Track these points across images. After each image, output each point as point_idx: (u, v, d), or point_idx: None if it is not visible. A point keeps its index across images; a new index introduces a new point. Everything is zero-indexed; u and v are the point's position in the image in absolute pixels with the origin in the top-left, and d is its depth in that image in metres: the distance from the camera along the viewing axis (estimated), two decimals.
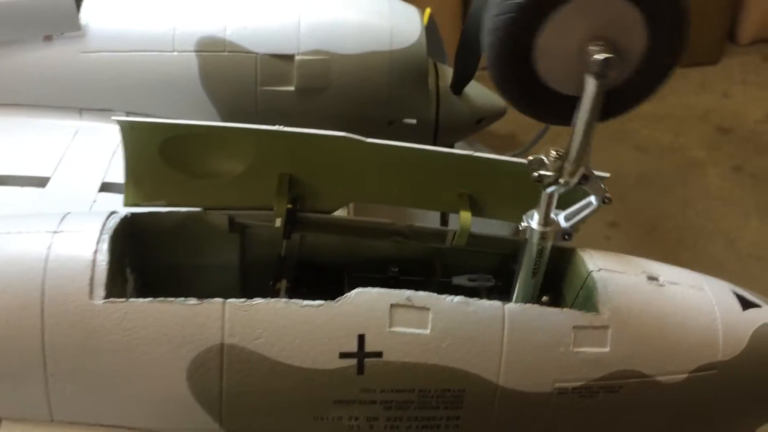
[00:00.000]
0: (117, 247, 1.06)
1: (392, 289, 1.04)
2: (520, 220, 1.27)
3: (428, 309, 1.04)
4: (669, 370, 1.10)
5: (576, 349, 1.06)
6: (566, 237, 1.08)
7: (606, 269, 1.13)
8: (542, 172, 1.00)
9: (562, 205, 1.08)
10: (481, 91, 1.84)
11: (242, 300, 1.01)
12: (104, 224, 1.06)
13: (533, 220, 1.07)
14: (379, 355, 1.02)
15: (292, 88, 1.61)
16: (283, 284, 1.21)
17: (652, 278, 1.14)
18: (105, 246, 1.03)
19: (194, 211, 1.19)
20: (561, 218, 1.07)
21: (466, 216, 1.19)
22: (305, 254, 1.26)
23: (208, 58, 1.59)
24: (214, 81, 1.60)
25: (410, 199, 1.23)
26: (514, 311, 1.06)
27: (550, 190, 1.02)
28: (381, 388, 1.04)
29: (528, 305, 1.08)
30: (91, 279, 1.00)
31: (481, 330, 1.04)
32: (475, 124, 1.84)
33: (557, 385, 1.06)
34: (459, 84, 1.77)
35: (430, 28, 1.85)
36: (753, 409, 1.22)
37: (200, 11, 1.62)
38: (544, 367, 1.06)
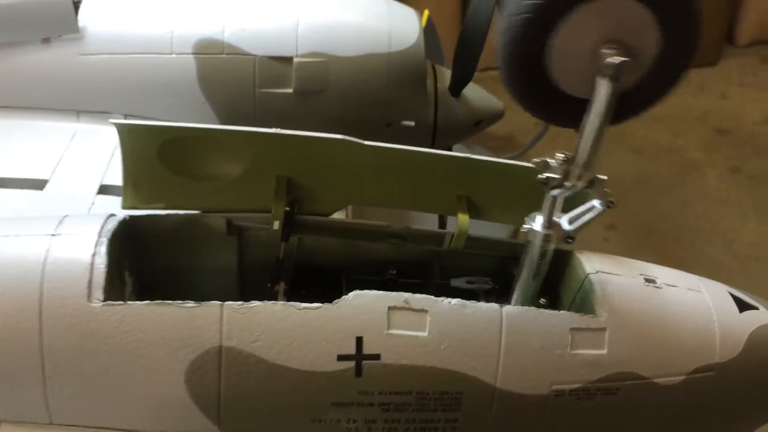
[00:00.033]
0: (115, 249, 1.06)
1: (390, 292, 1.04)
2: (518, 222, 1.27)
3: (426, 311, 1.04)
4: (666, 372, 1.10)
5: (573, 352, 1.06)
6: (569, 240, 1.08)
7: (603, 271, 1.13)
8: (549, 175, 1.00)
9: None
10: (479, 93, 1.84)
11: (240, 303, 1.01)
12: (102, 227, 1.06)
13: (536, 223, 1.07)
14: (377, 357, 1.02)
15: (290, 91, 1.61)
16: (281, 287, 1.21)
17: (649, 280, 1.15)
18: (103, 249, 1.03)
19: (192, 213, 1.19)
20: (564, 221, 1.07)
21: (463, 218, 1.19)
22: (303, 257, 1.26)
23: (206, 60, 1.59)
24: (212, 83, 1.60)
25: (408, 201, 1.23)
26: (512, 314, 1.06)
27: (555, 193, 1.02)
28: (379, 390, 1.04)
29: (525, 308, 1.08)
30: (89, 282, 1.00)
31: (478, 332, 1.04)
32: (473, 126, 1.85)
33: (555, 387, 1.07)
34: (457, 86, 1.77)
35: (429, 30, 1.85)
36: (750, 411, 1.22)
37: (198, 13, 1.62)
38: (542, 370, 1.06)
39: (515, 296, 1.15)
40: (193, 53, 1.58)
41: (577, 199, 1.07)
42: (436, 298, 1.05)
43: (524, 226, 1.09)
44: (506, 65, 0.97)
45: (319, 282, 1.25)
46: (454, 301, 1.05)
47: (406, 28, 1.67)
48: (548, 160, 1.01)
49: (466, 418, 1.07)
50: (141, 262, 1.19)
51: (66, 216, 1.09)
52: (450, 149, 1.90)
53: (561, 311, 1.09)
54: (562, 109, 1.00)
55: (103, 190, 1.42)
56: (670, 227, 2.79)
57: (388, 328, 1.03)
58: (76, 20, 1.56)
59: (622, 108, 0.96)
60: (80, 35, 1.57)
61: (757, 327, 1.17)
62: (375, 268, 1.27)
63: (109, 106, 1.60)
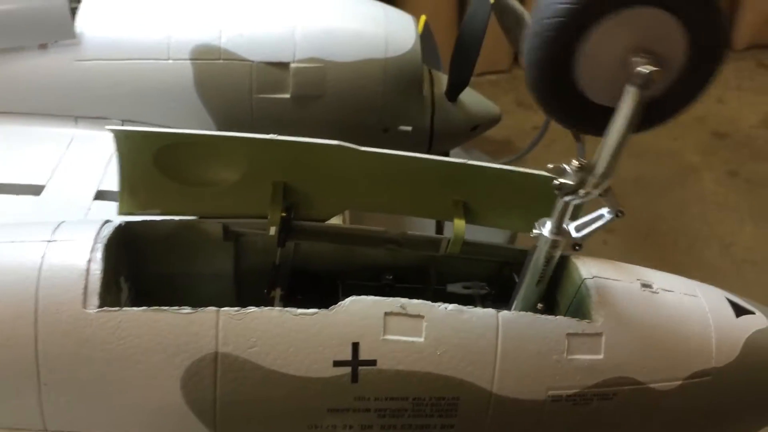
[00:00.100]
0: (111, 255, 1.06)
1: (386, 297, 1.04)
2: (514, 227, 1.27)
3: (422, 317, 1.04)
4: (663, 377, 1.10)
5: (570, 357, 1.06)
6: (576, 248, 1.08)
7: (599, 276, 1.13)
8: (564, 181, 1.00)
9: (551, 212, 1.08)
10: (476, 98, 1.85)
11: (236, 309, 1.01)
12: (98, 233, 1.06)
13: (545, 228, 1.07)
14: (373, 363, 1.02)
15: (287, 96, 1.62)
16: (278, 292, 1.21)
17: (645, 285, 1.15)
18: (99, 255, 1.03)
19: (188, 219, 1.19)
20: (572, 228, 1.07)
21: (459, 224, 1.19)
22: (299, 262, 1.26)
23: (203, 66, 1.59)
24: (209, 89, 1.60)
25: (404, 207, 1.23)
26: (508, 319, 1.06)
27: (567, 199, 1.02)
28: (375, 396, 1.04)
29: (521, 313, 1.08)
30: (85, 288, 1.00)
31: (475, 338, 1.04)
32: (470, 131, 1.85)
33: (551, 392, 1.06)
34: (454, 91, 1.77)
35: (425, 35, 1.86)
36: (747, 416, 1.22)
37: (195, 19, 1.62)
38: (538, 375, 1.06)
39: (517, 302, 1.15)
40: (190, 59, 1.58)
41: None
42: (433, 303, 1.05)
43: (533, 231, 1.09)
44: (533, 69, 0.96)
45: (316, 288, 1.25)
46: (451, 306, 1.05)
47: (402, 33, 1.67)
48: (564, 166, 1.00)
49: (462, 424, 1.07)
50: (137, 268, 1.19)
51: (62, 222, 1.09)
52: (447, 154, 1.90)
53: (557, 316, 1.09)
54: (586, 116, 1.00)
55: (100, 195, 1.42)
56: (667, 230, 2.80)
57: (385, 333, 1.03)
58: (73, 26, 1.57)
59: (648, 116, 0.96)
60: (77, 41, 1.57)
61: (754, 332, 1.17)
62: (371, 274, 1.27)
63: (107, 111, 1.60)
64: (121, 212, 1.16)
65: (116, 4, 1.64)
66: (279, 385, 1.01)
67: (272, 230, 1.16)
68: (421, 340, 1.03)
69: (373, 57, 1.63)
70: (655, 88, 0.94)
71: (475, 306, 1.08)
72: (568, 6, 0.91)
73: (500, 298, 1.24)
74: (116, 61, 1.58)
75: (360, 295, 1.04)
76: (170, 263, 1.23)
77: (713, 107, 3.29)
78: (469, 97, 1.82)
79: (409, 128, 1.70)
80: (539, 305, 1.17)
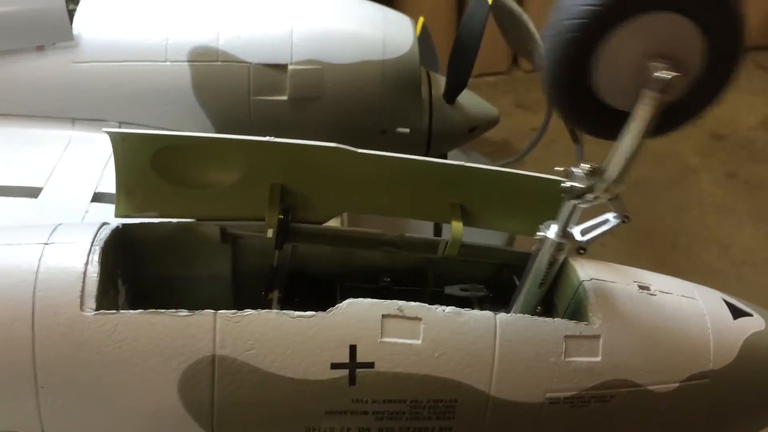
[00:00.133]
0: (108, 258, 1.06)
1: (384, 300, 1.04)
2: (511, 229, 1.27)
3: (420, 319, 1.04)
4: (660, 379, 1.10)
5: (567, 359, 1.06)
6: (581, 251, 1.08)
7: (597, 279, 1.13)
8: (573, 184, 0.99)
9: (548, 214, 1.08)
10: (474, 100, 1.85)
11: (233, 311, 1.01)
12: (95, 235, 1.06)
13: (551, 231, 1.07)
14: (370, 365, 1.02)
15: (285, 98, 1.62)
16: (275, 295, 1.21)
17: (643, 287, 1.15)
18: (96, 257, 1.03)
19: (186, 221, 1.19)
20: (577, 232, 1.07)
21: (457, 226, 1.19)
22: (297, 265, 1.26)
23: (201, 67, 1.59)
24: (207, 91, 1.60)
25: (402, 209, 1.23)
26: (506, 321, 1.06)
27: (575, 203, 1.02)
28: (373, 398, 1.04)
29: (519, 315, 1.08)
30: (82, 291, 1.00)
31: (472, 340, 1.04)
32: (468, 133, 1.85)
33: (549, 395, 1.06)
34: (452, 93, 1.77)
35: (423, 37, 1.86)
36: (744, 418, 1.22)
37: (193, 21, 1.62)
38: (536, 377, 1.06)
39: (517, 304, 1.15)
40: (188, 61, 1.58)
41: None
42: (430, 305, 1.05)
43: (537, 233, 1.08)
44: (551, 70, 0.96)
45: (313, 290, 1.25)
46: (448, 308, 1.05)
47: (400, 35, 1.67)
48: (573, 169, 1.00)
49: (460, 426, 1.07)
50: (134, 270, 1.19)
51: (59, 225, 1.09)
52: (445, 156, 1.90)
53: (555, 319, 1.09)
54: (601, 120, 1.00)
55: (97, 197, 1.42)
56: (666, 232, 2.80)
57: (382, 336, 1.03)
58: (70, 28, 1.57)
59: (664, 121, 0.96)
60: (75, 43, 1.57)
61: (751, 334, 1.17)
62: (369, 276, 1.27)
63: (104, 113, 1.60)
64: (118, 215, 1.16)
65: (114, 6, 1.64)
66: (276, 387, 1.01)
67: (270, 232, 1.16)
68: (419, 342, 1.03)
69: (370, 59, 1.63)
70: (673, 93, 0.94)
71: (473, 308, 1.08)
72: (590, 8, 0.90)
73: (498, 301, 1.24)
74: (114, 63, 1.58)
75: (357, 297, 1.04)
76: (168, 265, 1.23)
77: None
78: (467, 98, 1.82)
79: (407, 130, 1.70)
80: (537, 308, 1.17)
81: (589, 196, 1.00)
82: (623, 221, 1.04)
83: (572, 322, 1.09)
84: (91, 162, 1.48)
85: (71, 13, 1.59)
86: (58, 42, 1.57)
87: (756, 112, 3.33)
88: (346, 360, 1.02)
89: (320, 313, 1.02)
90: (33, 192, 1.43)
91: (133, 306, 1.04)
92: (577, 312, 1.13)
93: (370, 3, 1.76)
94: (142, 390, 1.01)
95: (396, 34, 1.67)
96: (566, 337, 1.07)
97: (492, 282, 1.29)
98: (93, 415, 1.02)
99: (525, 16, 1.90)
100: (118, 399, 1.01)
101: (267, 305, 1.18)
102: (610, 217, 1.05)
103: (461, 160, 1.18)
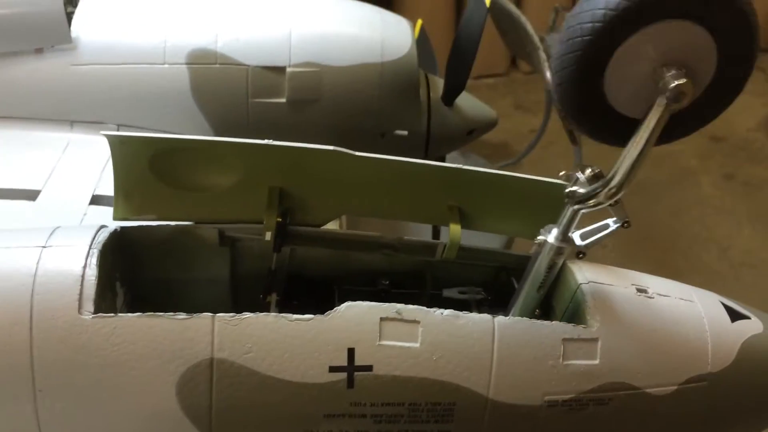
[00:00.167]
0: (106, 261, 1.06)
1: (382, 303, 1.04)
2: (510, 232, 1.27)
3: (418, 322, 1.04)
4: (658, 382, 1.10)
5: (565, 362, 1.06)
6: (580, 255, 1.08)
7: (595, 281, 1.13)
8: (576, 189, 0.99)
9: (547, 217, 1.08)
10: (472, 102, 1.85)
11: (231, 314, 1.01)
12: (93, 238, 1.06)
13: (551, 235, 1.07)
14: (369, 368, 1.02)
15: (283, 100, 1.62)
16: (273, 298, 1.21)
17: (641, 290, 1.15)
18: (94, 261, 1.03)
19: (184, 224, 1.19)
20: (577, 236, 1.07)
21: (455, 229, 1.19)
22: (295, 267, 1.26)
23: (199, 70, 1.59)
24: (205, 93, 1.60)
25: (400, 212, 1.23)
26: (504, 324, 1.06)
27: (577, 207, 1.02)
28: (371, 401, 1.04)
29: (517, 318, 1.08)
30: (80, 294, 1.00)
31: (470, 343, 1.04)
32: (466, 135, 1.85)
33: (547, 397, 1.06)
34: (450, 95, 1.77)
35: (422, 40, 1.86)
36: (742, 421, 1.22)
37: (191, 24, 1.62)
38: (534, 380, 1.06)
39: (516, 307, 1.15)
40: (186, 63, 1.58)
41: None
42: (429, 308, 1.05)
43: (537, 237, 1.09)
44: (563, 75, 0.97)
45: (312, 293, 1.25)
46: (447, 311, 1.05)
47: (398, 37, 1.67)
48: (577, 174, 1.00)
49: (458, 429, 1.07)
50: (133, 273, 1.19)
51: (57, 227, 1.09)
52: (444, 158, 1.91)
53: (553, 322, 1.09)
54: (610, 126, 1.00)
55: (96, 200, 1.42)
56: (665, 234, 2.80)
57: (380, 339, 1.03)
58: (68, 31, 1.57)
59: (675, 128, 0.96)
60: (73, 46, 1.57)
61: (749, 336, 1.17)
62: (367, 279, 1.27)
63: (102, 116, 1.60)
64: (116, 218, 1.16)
65: (112, 8, 1.64)
66: (275, 390, 1.01)
67: (268, 235, 1.16)
68: (417, 345, 1.03)
69: (369, 61, 1.63)
70: (685, 100, 0.94)
71: (471, 311, 1.08)
72: (608, 11, 0.91)
73: (496, 303, 1.24)
74: (112, 66, 1.58)
75: (356, 300, 1.04)
76: (166, 268, 1.23)
77: None
78: (466, 101, 1.82)
79: (405, 132, 1.70)
80: (536, 311, 1.17)
81: (592, 202, 1.00)
82: (623, 226, 1.04)
83: (570, 325, 1.09)
84: (90, 165, 1.48)
85: (69, 16, 1.59)
86: (57, 45, 1.57)
87: (755, 113, 3.33)
88: (345, 363, 1.02)
89: (318, 316, 1.02)
90: (31, 195, 1.43)
91: (131, 309, 1.04)
92: (575, 315, 1.13)
93: (368, 5, 1.76)
94: (140, 393, 1.01)
95: (394, 36, 1.67)
96: (564, 340, 1.07)
97: (490, 285, 1.29)
98: (91, 419, 1.02)
99: (523, 18, 1.90)
100: (116, 402, 1.01)
101: (265, 308, 1.18)
102: (611, 223, 1.06)
103: (460, 163, 1.18)
